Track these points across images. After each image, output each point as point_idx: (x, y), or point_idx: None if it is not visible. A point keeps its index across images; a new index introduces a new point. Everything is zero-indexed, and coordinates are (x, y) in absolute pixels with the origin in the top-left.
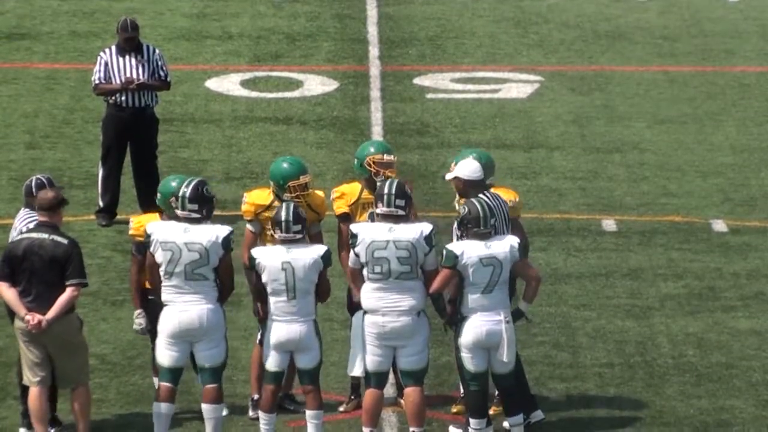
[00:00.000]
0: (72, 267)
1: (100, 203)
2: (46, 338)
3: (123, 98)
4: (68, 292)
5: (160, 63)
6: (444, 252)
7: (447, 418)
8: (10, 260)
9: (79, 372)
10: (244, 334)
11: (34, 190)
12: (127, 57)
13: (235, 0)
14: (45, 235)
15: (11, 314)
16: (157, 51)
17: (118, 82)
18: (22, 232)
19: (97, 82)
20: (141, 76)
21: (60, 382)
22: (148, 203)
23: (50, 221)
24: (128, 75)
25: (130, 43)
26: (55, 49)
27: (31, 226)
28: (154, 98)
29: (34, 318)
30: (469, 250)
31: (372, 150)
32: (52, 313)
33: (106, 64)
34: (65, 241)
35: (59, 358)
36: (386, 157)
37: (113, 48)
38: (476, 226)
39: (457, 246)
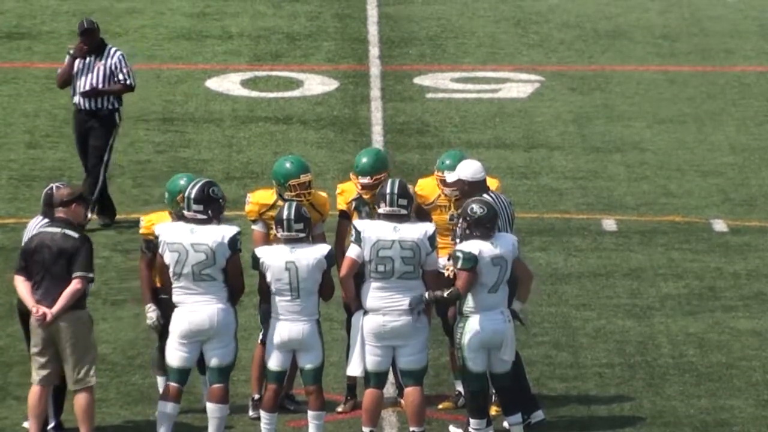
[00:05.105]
0: (79, 260)
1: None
2: (55, 334)
3: (76, 100)
4: (73, 284)
5: (119, 66)
6: (459, 254)
7: (447, 417)
8: (25, 253)
9: (84, 373)
10: (243, 334)
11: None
12: (88, 59)
13: (235, 0)
14: (57, 229)
15: (23, 312)
16: (117, 54)
17: (77, 83)
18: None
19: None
20: (95, 81)
21: (67, 382)
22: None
23: (65, 216)
24: (83, 86)
25: (88, 39)
26: (56, 49)
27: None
28: (112, 101)
29: (39, 310)
30: (483, 250)
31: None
32: (57, 306)
33: (73, 58)
34: (76, 235)
35: (66, 357)
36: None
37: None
38: (488, 224)
39: (472, 247)
